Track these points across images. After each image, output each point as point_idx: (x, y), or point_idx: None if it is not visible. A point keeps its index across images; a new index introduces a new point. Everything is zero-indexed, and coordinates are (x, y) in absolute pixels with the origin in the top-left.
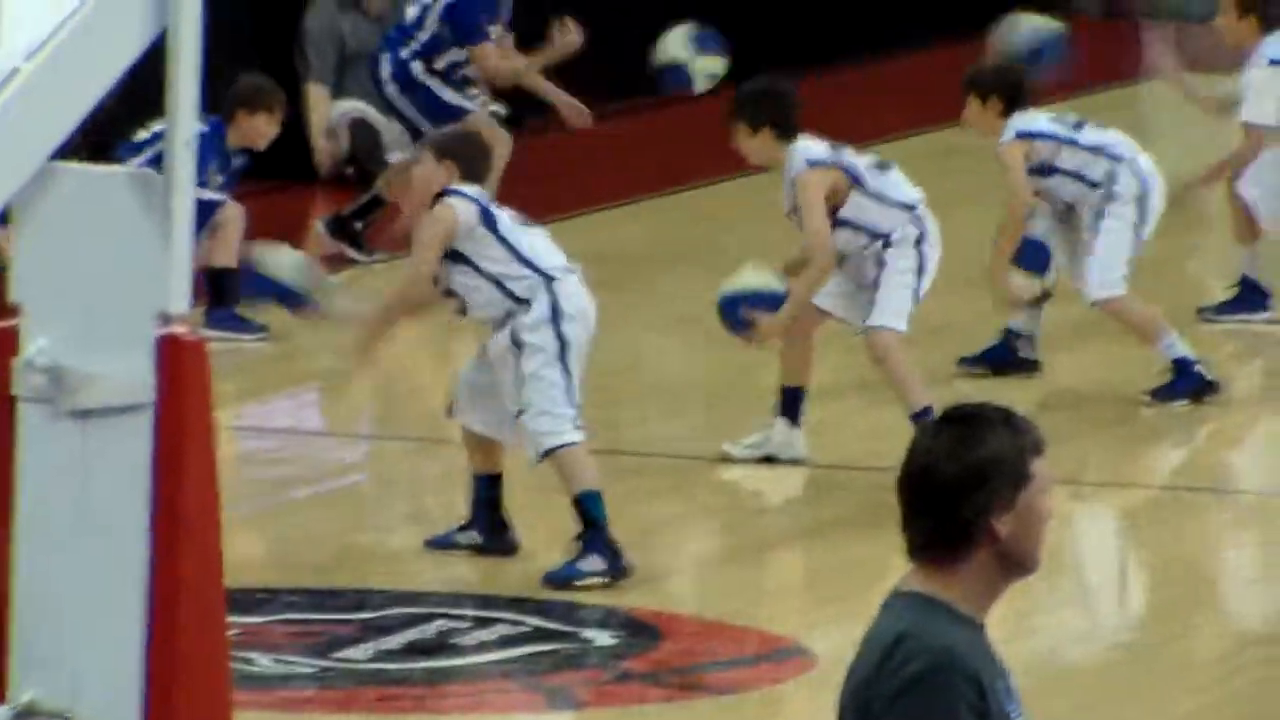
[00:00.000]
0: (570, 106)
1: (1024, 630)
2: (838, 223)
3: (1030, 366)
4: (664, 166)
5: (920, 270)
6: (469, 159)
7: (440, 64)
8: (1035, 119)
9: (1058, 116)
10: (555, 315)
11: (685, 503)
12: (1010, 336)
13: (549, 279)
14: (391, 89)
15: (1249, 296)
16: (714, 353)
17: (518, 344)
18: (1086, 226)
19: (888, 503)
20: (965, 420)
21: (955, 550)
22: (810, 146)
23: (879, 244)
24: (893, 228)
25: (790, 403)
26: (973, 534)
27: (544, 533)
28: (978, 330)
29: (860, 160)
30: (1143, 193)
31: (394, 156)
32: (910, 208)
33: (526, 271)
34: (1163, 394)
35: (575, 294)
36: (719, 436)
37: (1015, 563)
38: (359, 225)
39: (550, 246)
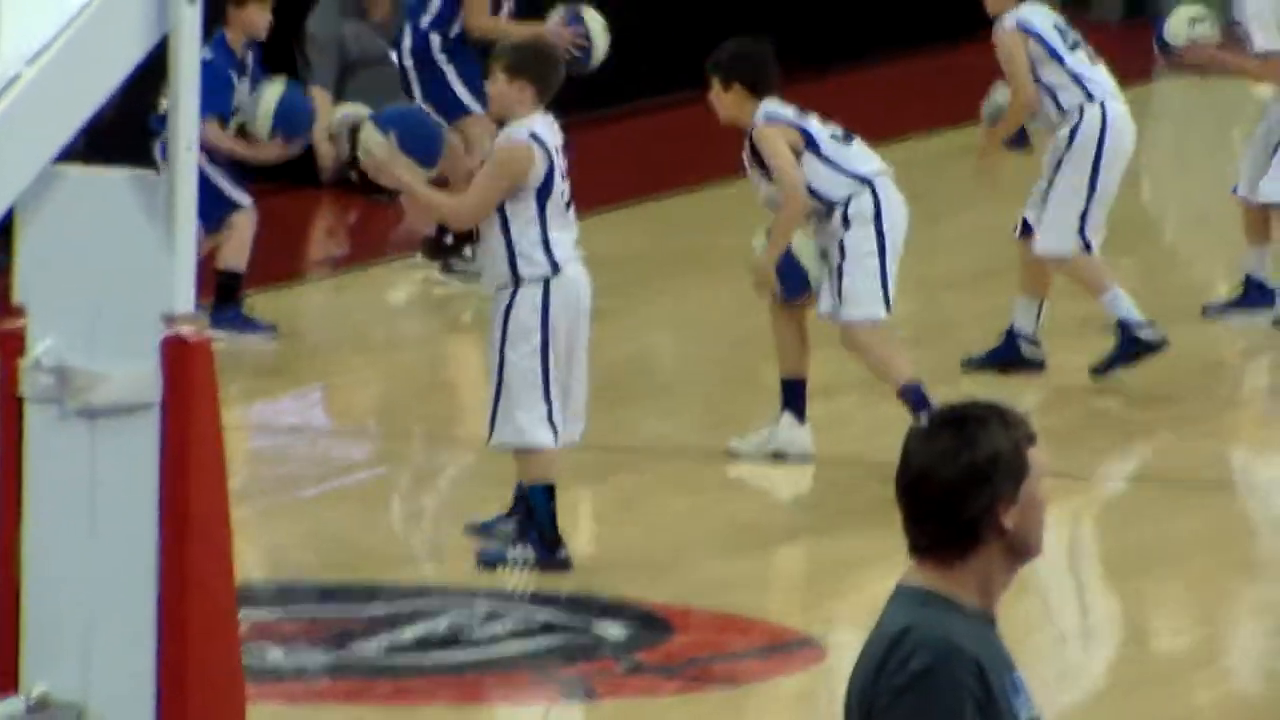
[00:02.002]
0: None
1: (1030, 625)
2: None
3: (1035, 366)
4: (666, 169)
5: (882, 250)
6: (543, 76)
7: (454, 32)
8: (1043, 17)
9: (1060, 25)
10: (545, 306)
11: (693, 498)
12: (1013, 337)
13: (555, 268)
14: (410, 62)
15: (1254, 295)
16: (720, 351)
17: (506, 323)
18: (1045, 175)
19: (893, 497)
20: (959, 421)
21: (962, 549)
22: (774, 105)
23: (838, 217)
24: (845, 196)
25: (792, 396)
26: (979, 532)
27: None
28: (985, 328)
29: (823, 129)
30: (1101, 137)
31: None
32: (866, 181)
33: (540, 256)
34: (1104, 367)
35: (569, 284)
36: (725, 434)
37: (1021, 551)
38: (449, 240)
39: (570, 235)
